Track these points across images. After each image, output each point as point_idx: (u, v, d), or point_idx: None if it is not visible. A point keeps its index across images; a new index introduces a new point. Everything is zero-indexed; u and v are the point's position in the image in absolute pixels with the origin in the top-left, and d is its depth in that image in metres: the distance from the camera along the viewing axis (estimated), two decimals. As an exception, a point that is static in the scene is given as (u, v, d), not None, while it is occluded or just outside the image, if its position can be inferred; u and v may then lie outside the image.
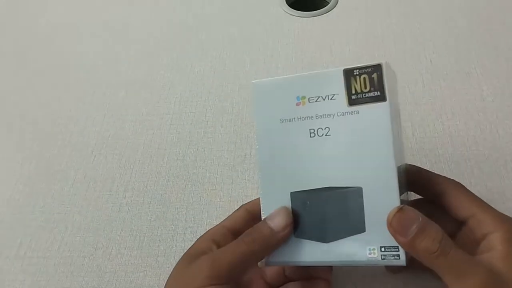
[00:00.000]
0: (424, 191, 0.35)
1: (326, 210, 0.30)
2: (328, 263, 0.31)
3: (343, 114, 0.30)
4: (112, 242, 0.48)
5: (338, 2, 0.71)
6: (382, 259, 0.29)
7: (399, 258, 0.29)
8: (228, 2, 0.74)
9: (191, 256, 0.32)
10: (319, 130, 0.30)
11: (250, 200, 0.37)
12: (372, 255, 0.29)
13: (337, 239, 0.30)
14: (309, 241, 0.31)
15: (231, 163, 0.53)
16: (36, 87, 0.66)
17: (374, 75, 0.29)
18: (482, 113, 0.53)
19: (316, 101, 0.30)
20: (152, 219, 0.49)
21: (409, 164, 0.35)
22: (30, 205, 0.52)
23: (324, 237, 0.31)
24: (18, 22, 0.78)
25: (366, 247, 0.29)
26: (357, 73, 0.29)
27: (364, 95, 0.29)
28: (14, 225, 0.51)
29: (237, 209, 0.37)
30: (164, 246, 0.47)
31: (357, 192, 0.29)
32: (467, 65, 0.59)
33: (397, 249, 0.29)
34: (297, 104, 0.31)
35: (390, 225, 0.28)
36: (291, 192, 0.31)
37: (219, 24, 0.71)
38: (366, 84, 0.29)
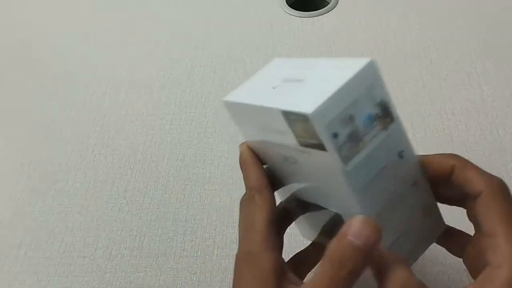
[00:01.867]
0: (431, 175, 0.29)
1: (319, 223, 0.32)
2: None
3: (299, 150, 0.26)
4: (112, 242, 0.48)
5: (338, 2, 0.71)
6: None
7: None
8: (228, 2, 0.74)
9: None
10: (289, 158, 0.28)
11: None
12: None
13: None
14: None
15: (231, 163, 0.53)
16: (36, 87, 0.66)
17: (308, 124, 0.23)
18: (482, 113, 0.53)
19: (276, 133, 0.27)
20: (152, 219, 0.49)
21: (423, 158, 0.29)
22: (30, 205, 0.52)
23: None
24: (18, 22, 0.78)
25: None
26: (294, 118, 0.24)
27: (308, 141, 0.25)
28: (14, 225, 0.51)
29: (255, 194, 0.30)
30: (164, 246, 0.47)
31: (339, 217, 0.29)
32: (467, 65, 0.59)
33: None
34: (264, 131, 0.28)
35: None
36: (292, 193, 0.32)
37: (219, 24, 0.71)
38: (305, 131, 0.24)
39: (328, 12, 0.70)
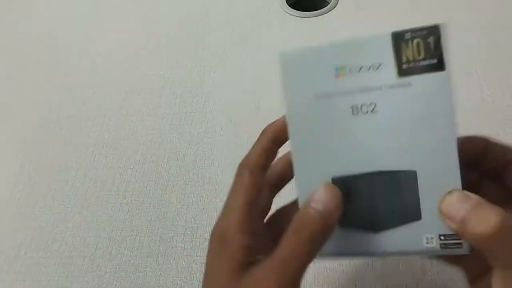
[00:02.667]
0: (491, 166, 0.30)
1: (375, 197, 0.26)
2: (379, 254, 0.27)
3: (392, 86, 0.25)
4: (112, 242, 0.48)
5: (338, 2, 0.71)
6: (441, 248, 0.26)
7: (462, 247, 0.25)
8: (228, 2, 0.74)
9: (237, 268, 0.27)
10: (363, 106, 0.26)
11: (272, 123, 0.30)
12: (430, 244, 0.26)
13: (389, 228, 0.26)
14: (358, 231, 0.27)
15: (231, 163, 0.53)
16: (36, 87, 0.66)
17: (431, 39, 0.25)
18: (482, 113, 0.53)
19: (358, 71, 0.26)
20: (152, 219, 0.49)
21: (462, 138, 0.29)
22: (30, 205, 0.52)
23: (374, 227, 0.26)
24: (18, 22, 0.78)
25: (423, 236, 0.26)
26: (409, 37, 0.25)
27: (418, 64, 0.25)
28: (14, 225, 0.51)
29: (243, 171, 0.30)
30: (164, 246, 0.47)
31: (411, 176, 0.26)
32: (467, 65, 0.59)
33: (457, 237, 0.25)
34: (336, 76, 0.26)
35: (440, 211, 0.25)
36: (332, 178, 0.27)
37: (219, 24, 0.71)
38: (420, 50, 0.25)
39: (328, 12, 0.70)
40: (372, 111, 0.26)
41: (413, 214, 0.26)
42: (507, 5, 0.66)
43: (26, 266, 0.47)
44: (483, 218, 0.24)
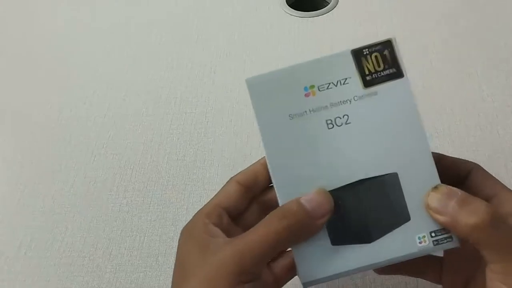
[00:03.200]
0: (446, 176, 0.30)
1: (364, 206, 0.27)
2: (376, 265, 0.27)
3: (361, 97, 0.27)
4: (112, 242, 0.48)
5: (338, 2, 0.71)
6: (434, 245, 0.27)
7: (452, 239, 0.26)
8: (228, 2, 0.74)
9: (202, 245, 0.27)
10: (337, 119, 0.27)
11: (238, 172, 0.32)
12: (423, 243, 0.27)
13: (383, 235, 0.27)
14: (350, 246, 0.27)
15: (231, 163, 0.53)
16: (36, 87, 0.66)
17: (386, 52, 0.28)
18: (482, 113, 0.53)
19: (327, 88, 0.27)
20: (152, 219, 0.49)
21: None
22: (30, 205, 0.52)
23: (367, 237, 0.27)
24: (18, 22, 0.78)
25: (415, 236, 0.27)
26: (367, 52, 0.28)
27: (380, 74, 0.27)
28: (14, 225, 0.51)
29: (227, 183, 0.32)
30: (164, 246, 0.47)
31: (394, 179, 0.27)
32: (468, 65, 0.59)
33: (448, 231, 0.26)
34: (306, 95, 0.27)
35: (428, 207, 0.26)
36: None
37: (219, 24, 0.71)
38: (379, 62, 0.27)
39: (328, 12, 0.70)
40: (346, 123, 0.27)
41: (402, 216, 0.27)
42: (507, 5, 0.66)
43: (26, 266, 0.47)
44: (472, 209, 0.24)
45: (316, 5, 0.72)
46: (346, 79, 0.27)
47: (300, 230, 0.26)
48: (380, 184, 0.27)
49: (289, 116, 0.28)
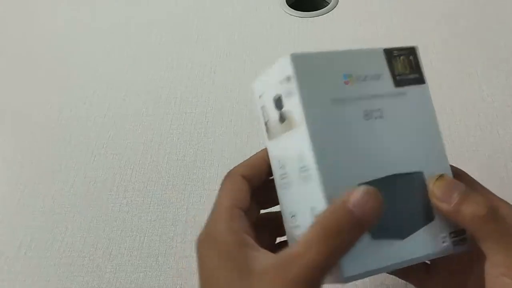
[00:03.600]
0: None
1: (398, 201, 0.26)
2: (409, 262, 0.26)
3: (392, 95, 0.28)
4: (112, 242, 0.48)
5: (338, 2, 0.71)
6: (454, 245, 0.27)
7: (466, 242, 0.27)
8: (228, 2, 0.74)
9: (241, 267, 0.24)
10: (373, 112, 0.27)
11: (237, 165, 0.30)
12: (445, 243, 0.27)
13: (413, 232, 0.27)
14: (385, 241, 0.26)
15: (231, 164, 0.52)
16: (36, 87, 0.66)
17: (411, 58, 0.29)
18: (482, 113, 0.53)
19: (363, 80, 0.28)
20: (152, 219, 0.49)
21: None
22: (30, 205, 0.52)
23: (401, 233, 0.26)
24: (18, 23, 0.78)
25: (439, 236, 0.27)
26: (396, 54, 0.29)
27: (407, 77, 0.28)
28: (14, 225, 0.51)
29: (231, 177, 0.29)
30: (164, 246, 0.47)
31: (421, 177, 0.27)
32: (468, 65, 0.59)
33: (464, 233, 0.27)
34: (345, 83, 0.27)
35: (432, 194, 0.26)
36: (358, 184, 0.25)
37: (219, 24, 0.71)
38: (405, 66, 0.29)
39: (328, 12, 0.70)
40: (380, 117, 0.27)
41: (427, 215, 0.27)
42: (507, 5, 0.66)
43: (26, 266, 0.47)
44: (475, 201, 0.25)
45: (316, 5, 0.72)
46: (379, 75, 0.28)
47: (355, 240, 0.23)
48: (410, 181, 0.27)
49: (331, 100, 0.27)
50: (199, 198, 0.50)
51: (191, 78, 0.63)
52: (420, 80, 0.29)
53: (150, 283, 0.44)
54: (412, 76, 0.29)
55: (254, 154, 0.31)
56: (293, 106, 0.27)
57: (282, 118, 0.28)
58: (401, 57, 0.29)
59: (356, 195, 0.23)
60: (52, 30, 0.75)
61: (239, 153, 0.53)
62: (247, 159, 0.31)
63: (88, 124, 0.60)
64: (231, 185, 0.29)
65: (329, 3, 0.71)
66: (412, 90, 0.28)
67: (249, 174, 0.29)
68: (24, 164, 0.56)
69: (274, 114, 0.29)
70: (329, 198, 0.25)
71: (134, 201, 0.51)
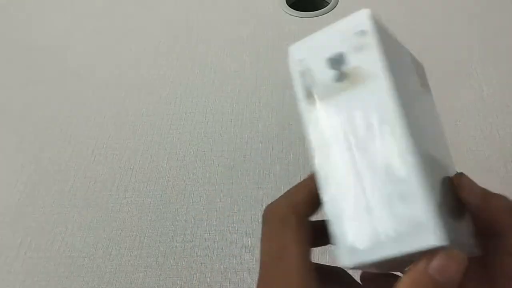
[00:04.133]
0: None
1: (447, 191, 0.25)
2: (472, 253, 0.26)
3: (420, 94, 0.30)
4: (112, 242, 0.48)
5: (338, 2, 0.71)
6: (471, 248, 0.26)
7: (477, 246, 0.26)
8: (228, 2, 0.74)
9: None
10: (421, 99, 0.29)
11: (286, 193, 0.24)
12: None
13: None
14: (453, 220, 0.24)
15: (231, 164, 0.53)
16: (36, 88, 0.66)
17: (421, 69, 0.31)
18: (482, 114, 0.53)
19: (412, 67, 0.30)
20: (152, 219, 0.49)
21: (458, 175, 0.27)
22: (30, 205, 0.52)
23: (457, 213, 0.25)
24: (19, 23, 0.78)
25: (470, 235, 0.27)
26: (413, 61, 0.31)
27: (423, 82, 0.30)
28: (14, 225, 0.51)
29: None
30: (164, 246, 0.47)
31: (451, 180, 0.26)
32: (467, 65, 0.59)
33: (474, 238, 0.26)
34: (404, 55, 0.29)
35: (462, 188, 0.26)
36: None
37: (219, 25, 0.71)
38: (420, 73, 0.31)
39: (328, 12, 0.70)
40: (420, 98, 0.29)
41: (462, 213, 0.27)
42: (507, 5, 0.66)
43: (26, 266, 0.47)
44: (498, 195, 0.25)
45: (316, 5, 0.72)
46: (411, 73, 0.29)
47: None
48: (450, 183, 0.26)
49: (397, 63, 0.26)
50: (199, 198, 0.50)
51: (191, 78, 0.63)
52: (428, 89, 0.30)
53: (150, 283, 0.44)
54: (424, 83, 0.30)
55: (304, 180, 0.25)
56: (367, 60, 0.25)
57: (342, 77, 0.25)
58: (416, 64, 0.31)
59: (438, 259, 0.21)
60: (52, 30, 0.75)
61: (239, 153, 0.53)
62: (297, 184, 0.25)
63: (88, 125, 0.60)
64: (300, 226, 0.23)
65: (329, 3, 0.71)
66: (426, 94, 0.30)
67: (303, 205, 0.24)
68: (24, 164, 0.56)
69: (325, 75, 0.26)
70: (415, 153, 0.22)
71: (134, 201, 0.51)
